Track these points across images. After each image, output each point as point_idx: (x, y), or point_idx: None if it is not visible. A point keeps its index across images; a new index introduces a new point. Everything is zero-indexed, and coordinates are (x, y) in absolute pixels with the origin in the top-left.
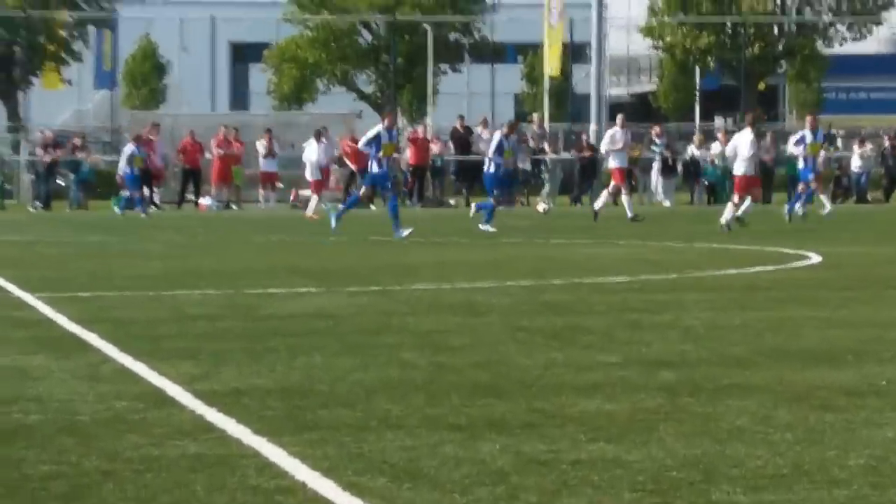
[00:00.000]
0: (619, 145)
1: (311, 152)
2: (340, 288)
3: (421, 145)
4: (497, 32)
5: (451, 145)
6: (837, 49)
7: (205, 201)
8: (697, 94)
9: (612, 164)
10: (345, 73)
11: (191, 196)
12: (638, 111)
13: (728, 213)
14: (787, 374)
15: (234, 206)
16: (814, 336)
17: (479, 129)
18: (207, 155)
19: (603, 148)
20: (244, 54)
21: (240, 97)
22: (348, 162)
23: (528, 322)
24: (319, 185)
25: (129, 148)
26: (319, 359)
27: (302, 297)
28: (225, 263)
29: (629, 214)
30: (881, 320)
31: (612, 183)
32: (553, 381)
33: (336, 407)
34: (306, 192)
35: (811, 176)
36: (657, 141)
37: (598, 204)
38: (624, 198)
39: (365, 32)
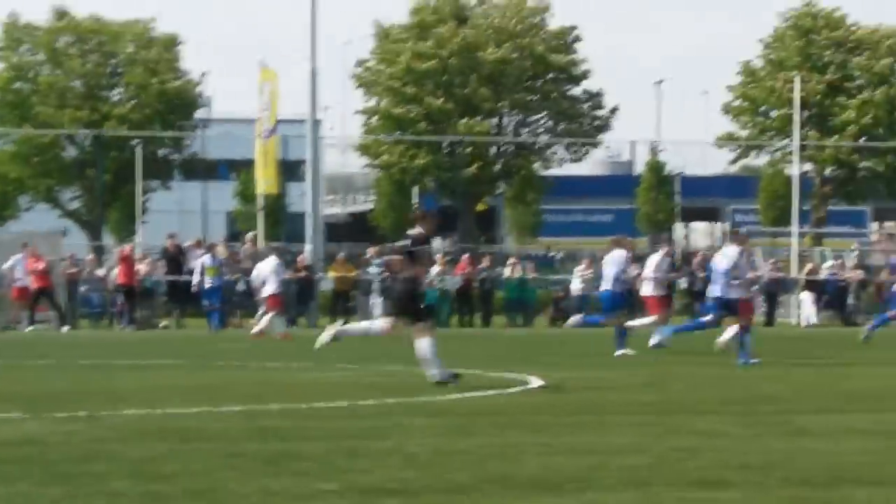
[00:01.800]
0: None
1: (265, 269)
2: (47, 413)
3: (129, 264)
4: (209, 149)
5: (161, 265)
6: (555, 170)
7: None
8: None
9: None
10: (49, 189)
11: None
12: (355, 231)
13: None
14: (510, 502)
15: None
16: (536, 463)
17: (192, 248)
18: None
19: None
20: None
21: None
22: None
23: (242, 448)
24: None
25: None
26: (24, 487)
27: (6, 423)
28: None
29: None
30: (602, 446)
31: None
32: None
33: None
34: None
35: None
36: (375, 262)
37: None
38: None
39: (70, 147)
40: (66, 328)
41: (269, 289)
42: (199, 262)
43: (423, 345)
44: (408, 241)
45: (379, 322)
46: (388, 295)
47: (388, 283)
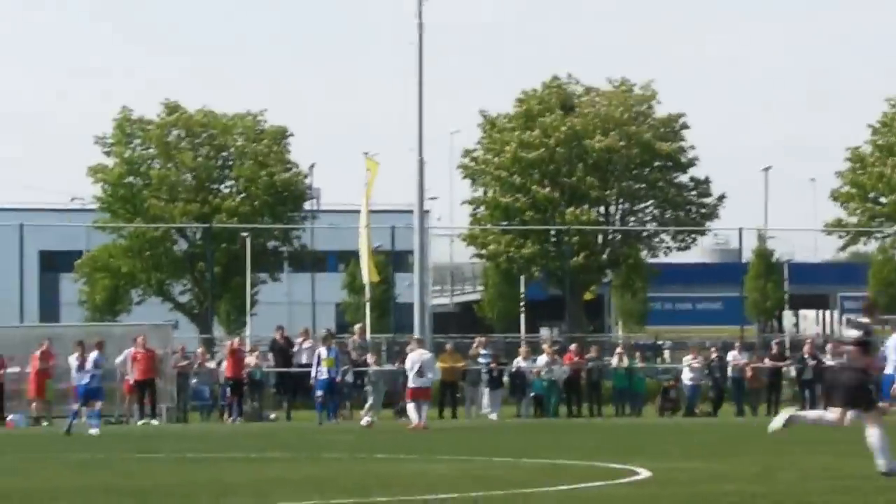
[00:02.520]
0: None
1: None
2: None
3: (238, 357)
4: (317, 240)
5: (270, 357)
6: (662, 258)
7: (13, 417)
8: (522, 303)
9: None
10: (160, 283)
11: None
12: (463, 321)
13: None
14: None
15: (44, 422)
16: None
17: (300, 341)
18: (12, 370)
19: None
20: (55, 263)
21: (50, 308)
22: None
23: None
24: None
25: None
26: None
27: None
28: (35, 483)
29: None
30: None
31: None
32: None
33: None
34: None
35: None
36: (483, 353)
37: None
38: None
39: (181, 241)
40: (152, 420)
41: (425, 381)
42: (317, 353)
43: (875, 434)
44: (861, 332)
45: (830, 412)
46: (837, 384)
47: (835, 373)
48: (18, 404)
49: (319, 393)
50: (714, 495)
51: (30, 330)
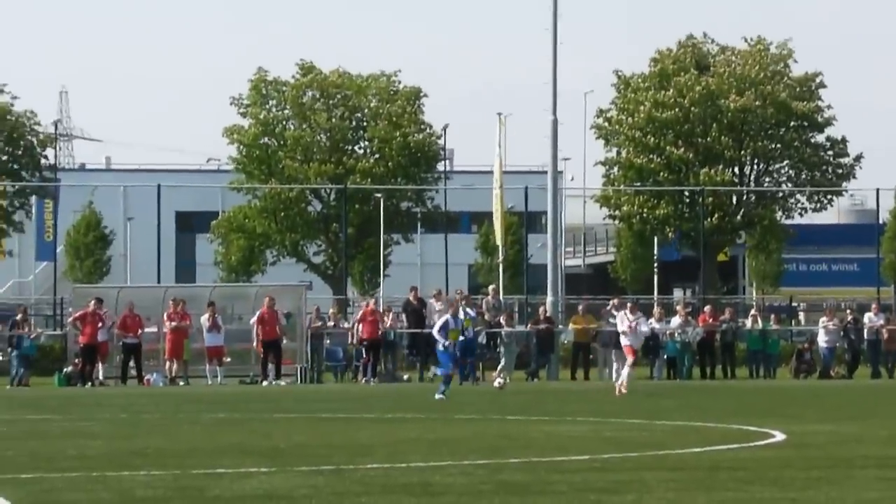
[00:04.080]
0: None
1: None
2: (291, 468)
3: (374, 318)
4: (450, 201)
5: (403, 318)
6: (797, 220)
7: (151, 377)
8: (656, 265)
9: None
10: (294, 244)
11: (132, 373)
12: (595, 282)
13: None
14: None
15: (181, 382)
16: None
17: (432, 301)
18: (149, 330)
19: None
20: (190, 224)
21: (186, 268)
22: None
23: (486, 503)
24: None
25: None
26: None
27: (252, 477)
28: (171, 442)
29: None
30: (849, 501)
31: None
32: None
33: None
34: None
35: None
36: (615, 314)
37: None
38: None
39: (315, 202)
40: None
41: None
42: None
43: None
44: None
45: None
46: None
47: None
48: (156, 364)
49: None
50: (849, 458)
51: (166, 290)
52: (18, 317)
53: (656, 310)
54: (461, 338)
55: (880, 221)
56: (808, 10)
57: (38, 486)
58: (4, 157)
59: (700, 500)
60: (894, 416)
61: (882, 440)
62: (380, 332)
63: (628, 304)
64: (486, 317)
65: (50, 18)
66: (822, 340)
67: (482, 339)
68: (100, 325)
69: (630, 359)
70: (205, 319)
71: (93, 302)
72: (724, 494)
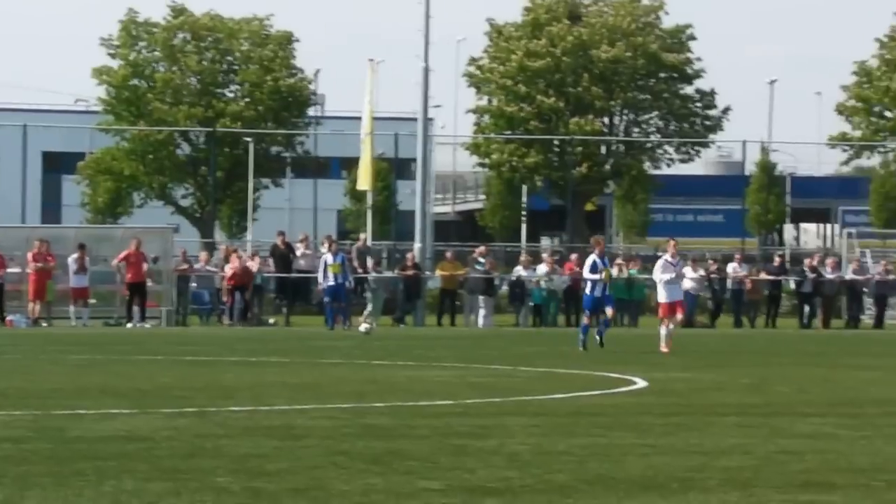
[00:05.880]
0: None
1: None
2: (154, 409)
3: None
4: (321, 147)
5: (270, 262)
6: (665, 170)
7: (13, 317)
8: (524, 213)
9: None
10: (162, 186)
11: None
12: (464, 230)
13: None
14: (612, 502)
15: (44, 323)
16: (638, 463)
17: (300, 247)
18: (12, 270)
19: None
20: (58, 164)
21: (52, 209)
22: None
23: (347, 446)
24: None
25: None
26: (130, 483)
27: (114, 418)
28: (33, 383)
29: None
30: (707, 448)
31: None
32: None
33: None
34: None
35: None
36: (481, 261)
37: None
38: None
39: (184, 144)
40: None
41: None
42: (322, 259)
43: None
44: None
45: None
46: None
47: None
48: (19, 304)
49: (327, 299)
50: (709, 406)
51: (31, 230)
52: None
53: (523, 257)
54: (331, 283)
55: (746, 173)
56: None
57: None
58: None
59: (560, 446)
60: (755, 364)
61: (742, 388)
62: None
63: (671, 243)
64: (356, 263)
65: None
66: (685, 288)
67: (350, 284)
68: None
69: (679, 315)
70: (72, 261)
71: None
72: (584, 440)
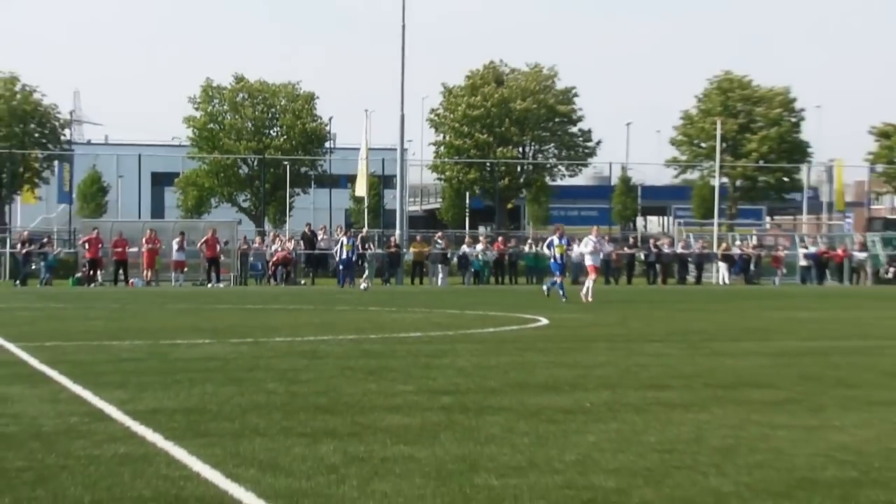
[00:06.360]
0: (590, 248)
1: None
2: (225, 340)
3: (281, 246)
4: (334, 167)
5: (301, 243)
6: (559, 182)
7: (134, 281)
8: (467, 210)
9: (588, 261)
10: (230, 194)
11: (121, 278)
12: (428, 222)
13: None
14: (525, 399)
15: (153, 284)
16: (543, 373)
17: (320, 233)
18: (132, 249)
19: (580, 251)
20: (161, 180)
21: (158, 210)
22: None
23: (352, 363)
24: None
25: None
26: (210, 388)
27: (199, 346)
28: (147, 323)
29: (585, 299)
30: (588, 363)
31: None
32: (369, 403)
33: (221, 421)
34: None
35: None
36: (439, 242)
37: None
38: (589, 282)
39: (243, 167)
40: (219, 284)
41: (591, 259)
42: (340, 240)
43: None
44: None
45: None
46: None
47: None
48: (137, 272)
49: (342, 267)
50: (589, 336)
51: (144, 223)
52: (45, 240)
53: (467, 239)
54: (343, 257)
55: (612, 184)
56: (570, 44)
57: (57, 351)
58: (37, 135)
59: (492, 362)
60: (619, 309)
61: (610, 324)
62: (287, 254)
63: (595, 228)
64: (359, 243)
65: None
66: (575, 257)
67: (355, 257)
68: (99, 245)
69: (593, 275)
70: (175, 242)
71: (94, 231)
72: (508, 358)
